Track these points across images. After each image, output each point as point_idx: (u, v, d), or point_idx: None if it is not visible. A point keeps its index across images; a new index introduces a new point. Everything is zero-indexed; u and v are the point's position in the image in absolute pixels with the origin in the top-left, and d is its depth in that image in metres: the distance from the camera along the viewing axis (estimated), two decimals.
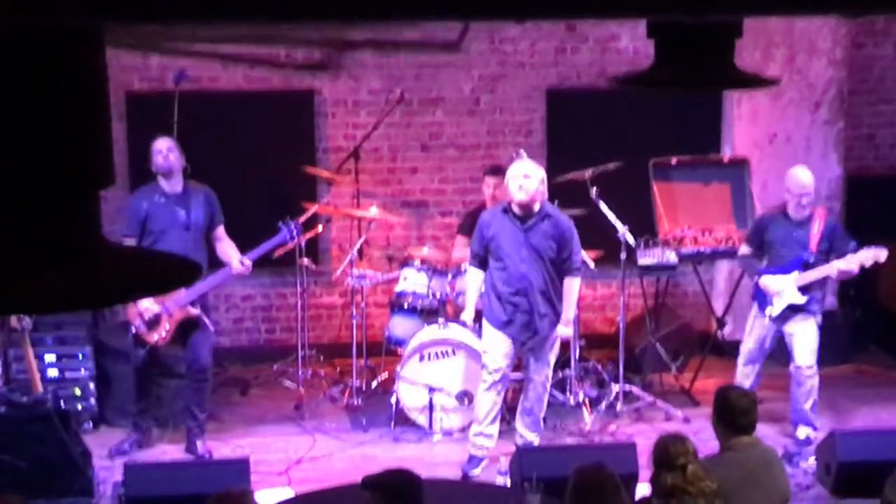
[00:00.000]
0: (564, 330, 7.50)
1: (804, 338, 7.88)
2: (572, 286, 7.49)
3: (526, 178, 7.16)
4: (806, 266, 7.76)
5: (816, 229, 7.76)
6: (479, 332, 7.70)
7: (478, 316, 7.96)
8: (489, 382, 7.46)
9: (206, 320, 7.76)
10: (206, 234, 7.65)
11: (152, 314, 7.58)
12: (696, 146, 9.38)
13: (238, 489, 5.10)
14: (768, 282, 7.84)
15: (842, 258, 7.68)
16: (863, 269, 7.73)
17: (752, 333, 8.09)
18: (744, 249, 8.17)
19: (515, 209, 7.25)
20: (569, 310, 7.50)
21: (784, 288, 7.79)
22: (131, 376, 7.89)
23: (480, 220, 7.47)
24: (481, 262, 7.44)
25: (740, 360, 8.15)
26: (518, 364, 7.79)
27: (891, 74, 10.01)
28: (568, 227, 7.40)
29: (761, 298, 7.95)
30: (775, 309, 7.85)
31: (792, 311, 7.84)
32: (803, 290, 7.77)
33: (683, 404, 8.60)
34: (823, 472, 7.23)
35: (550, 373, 7.65)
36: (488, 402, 7.50)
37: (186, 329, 7.67)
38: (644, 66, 4.05)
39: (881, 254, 7.69)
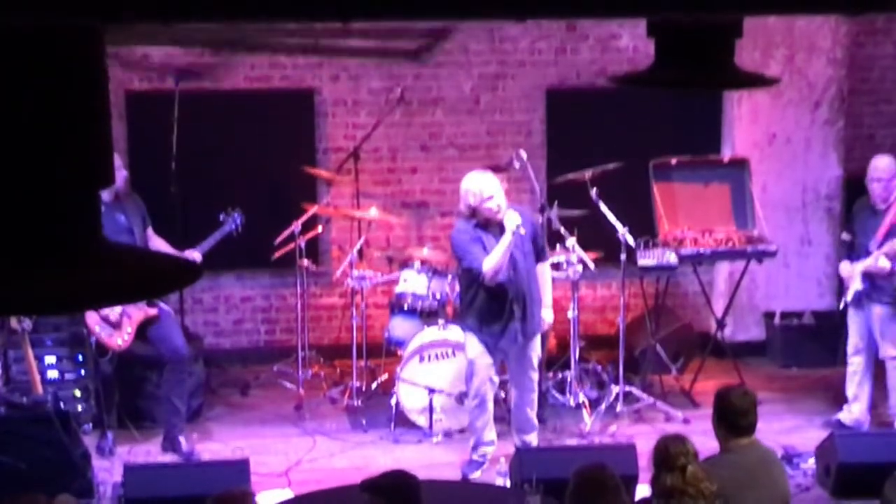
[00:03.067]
0: (548, 314, 7.53)
1: (875, 327, 7.92)
2: (546, 271, 7.59)
3: (494, 200, 7.11)
4: (869, 255, 7.81)
5: (889, 217, 7.79)
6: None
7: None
8: (480, 396, 7.43)
9: (165, 307, 7.81)
10: (142, 237, 7.79)
11: (113, 319, 7.60)
12: (695, 146, 9.37)
13: (239, 490, 5.09)
14: (843, 269, 7.98)
15: None
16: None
17: (849, 324, 8.13)
18: (844, 235, 8.28)
19: (485, 222, 7.16)
20: (547, 294, 7.55)
21: (853, 275, 7.85)
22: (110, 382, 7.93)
23: (464, 239, 7.19)
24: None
25: (847, 355, 8.15)
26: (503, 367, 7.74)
27: (891, 74, 9.99)
28: (534, 216, 7.52)
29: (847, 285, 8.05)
30: (848, 294, 7.93)
31: (867, 299, 7.88)
32: (870, 279, 7.80)
33: (683, 405, 8.59)
34: (823, 473, 7.22)
35: (536, 377, 7.59)
36: (482, 416, 7.48)
37: (147, 325, 7.71)
38: (644, 66, 4.05)
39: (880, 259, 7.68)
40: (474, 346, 7.38)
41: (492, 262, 7.06)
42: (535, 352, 7.50)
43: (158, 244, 7.90)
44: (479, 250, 7.13)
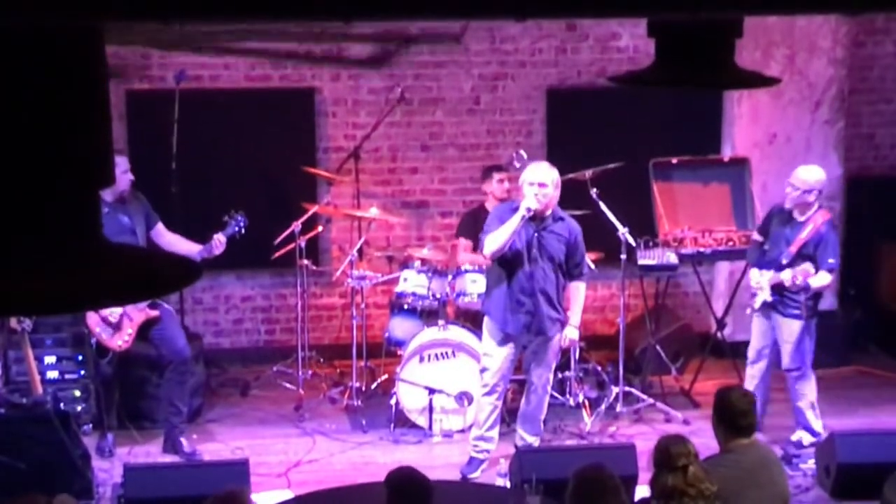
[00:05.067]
0: (573, 333, 7.50)
1: (782, 339, 7.82)
2: (580, 290, 7.51)
3: (542, 188, 7.11)
4: (781, 267, 7.71)
5: (806, 233, 7.66)
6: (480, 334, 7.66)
7: (477, 316, 7.97)
8: (489, 386, 7.43)
9: (167, 306, 7.82)
10: (147, 236, 7.76)
11: (113, 320, 7.59)
12: (696, 146, 9.37)
13: (234, 489, 5.08)
14: (751, 275, 7.87)
15: (818, 270, 7.61)
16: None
17: (752, 329, 8.04)
18: (755, 236, 8.17)
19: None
20: (577, 314, 7.50)
21: (762, 284, 7.75)
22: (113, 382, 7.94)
23: (494, 215, 7.32)
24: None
25: (748, 360, 8.10)
26: (519, 366, 7.77)
27: (891, 74, 10.00)
28: (578, 231, 7.41)
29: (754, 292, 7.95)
30: (756, 302, 7.82)
31: (773, 309, 7.77)
32: (778, 289, 7.71)
33: (683, 406, 8.59)
34: (823, 473, 7.22)
35: (551, 376, 7.63)
36: (488, 406, 7.47)
37: (148, 327, 7.71)
38: (644, 66, 4.05)
39: (798, 277, 7.58)
40: (489, 336, 7.41)
41: (492, 237, 7.15)
42: (556, 356, 7.52)
43: (171, 239, 7.87)
44: (496, 227, 7.20)
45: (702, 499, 4.86)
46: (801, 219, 7.72)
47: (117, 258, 2.16)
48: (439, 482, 6.78)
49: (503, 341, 7.36)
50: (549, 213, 7.25)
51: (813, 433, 7.80)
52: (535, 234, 7.22)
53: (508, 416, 7.94)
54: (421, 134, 9.63)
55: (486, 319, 7.48)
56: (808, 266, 7.52)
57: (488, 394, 7.45)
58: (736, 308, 9.40)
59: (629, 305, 8.88)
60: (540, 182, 7.13)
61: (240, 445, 7.97)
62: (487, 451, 7.51)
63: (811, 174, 7.71)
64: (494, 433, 7.54)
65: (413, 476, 5.06)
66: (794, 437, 7.89)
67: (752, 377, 7.99)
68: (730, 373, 8.84)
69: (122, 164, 7.45)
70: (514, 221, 7.08)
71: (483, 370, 7.48)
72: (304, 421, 8.43)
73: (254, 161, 9.30)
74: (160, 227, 7.90)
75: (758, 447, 5.51)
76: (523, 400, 7.64)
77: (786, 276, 7.56)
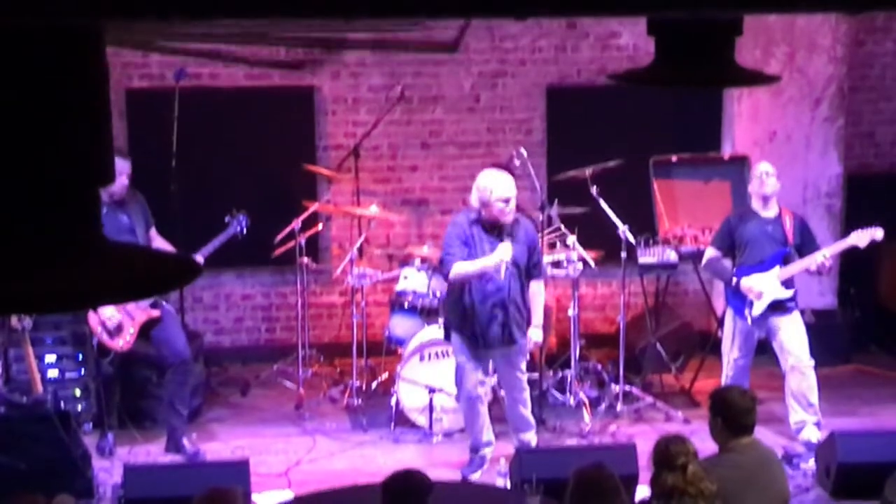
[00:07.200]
0: (536, 334, 7.40)
1: (796, 333, 7.73)
2: (540, 290, 7.44)
3: (508, 203, 7.02)
4: (787, 260, 7.71)
5: (789, 224, 7.73)
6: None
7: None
8: (471, 398, 7.38)
9: (168, 307, 7.82)
10: (145, 237, 7.75)
11: (115, 321, 7.59)
12: (696, 144, 9.37)
13: (224, 488, 5.06)
14: (751, 282, 7.65)
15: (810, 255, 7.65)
16: (858, 249, 7.69)
17: (736, 342, 7.83)
18: (711, 253, 7.90)
19: (486, 222, 7.12)
20: (539, 314, 7.40)
21: (767, 285, 7.67)
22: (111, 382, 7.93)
23: (453, 233, 7.17)
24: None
25: (728, 372, 7.85)
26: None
27: (891, 72, 9.99)
28: (535, 231, 7.42)
29: (738, 302, 7.74)
30: (757, 309, 7.66)
31: (772, 309, 7.68)
32: (785, 284, 7.69)
33: (683, 405, 8.58)
34: (823, 473, 7.21)
35: (524, 376, 7.54)
36: (476, 416, 7.44)
37: (149, 327, 7.70)
38: (645, 64, 4.05)
39: (877, 232, 7.62)
40: (460, 348, 7.33)
41: (461, 269, 7.05)
42: (522, 354, 7.42)
43: (160, 245, 7.87)
44: (459, 250, 7.09)
45: (702, 498, 4.85)
46: (772, 213, 7.76)
47: (117, 257, 2.16)
48: (439, 482, 6.79)
49: (474, 350, 7.29)
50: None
51: (820, 426, 7.75)
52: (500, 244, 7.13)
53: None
54: (421, 132, 9.63)
55: (453, 334, 7.37)
56: (837, 244, 7.82)
57: (471, 405, 7.41)
58: None
59: (629, 304, 8.87)
60: (506, 197, 7.03)
61: (240, 445, 7.96)
62: (486, 456, 7.49)
63: (769, 164, 7.88)
64: (490, 436, 7.52)
65: (410, 478, 5.03)
66: (813, 438, 7.64)
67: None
68: None
69: (120, 167, 7.44)
70: (488, 264, 7.00)
71: (458, 381, 7.41)
72: (305, 420, 8.43)
73: (254, 159, 9.30)
74: (153, 231, 7.90)
75: (758, 447, 5.50)
76: (507, 402, 7.57)
77: (826, 252, 7.62)
